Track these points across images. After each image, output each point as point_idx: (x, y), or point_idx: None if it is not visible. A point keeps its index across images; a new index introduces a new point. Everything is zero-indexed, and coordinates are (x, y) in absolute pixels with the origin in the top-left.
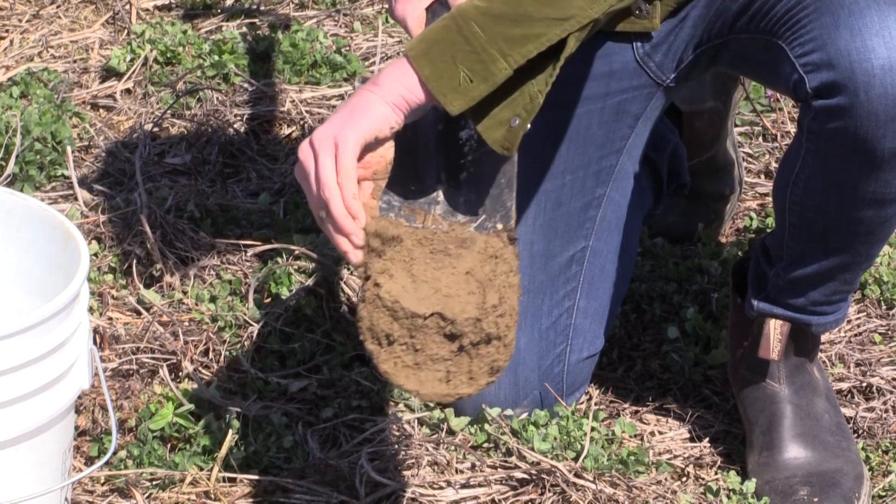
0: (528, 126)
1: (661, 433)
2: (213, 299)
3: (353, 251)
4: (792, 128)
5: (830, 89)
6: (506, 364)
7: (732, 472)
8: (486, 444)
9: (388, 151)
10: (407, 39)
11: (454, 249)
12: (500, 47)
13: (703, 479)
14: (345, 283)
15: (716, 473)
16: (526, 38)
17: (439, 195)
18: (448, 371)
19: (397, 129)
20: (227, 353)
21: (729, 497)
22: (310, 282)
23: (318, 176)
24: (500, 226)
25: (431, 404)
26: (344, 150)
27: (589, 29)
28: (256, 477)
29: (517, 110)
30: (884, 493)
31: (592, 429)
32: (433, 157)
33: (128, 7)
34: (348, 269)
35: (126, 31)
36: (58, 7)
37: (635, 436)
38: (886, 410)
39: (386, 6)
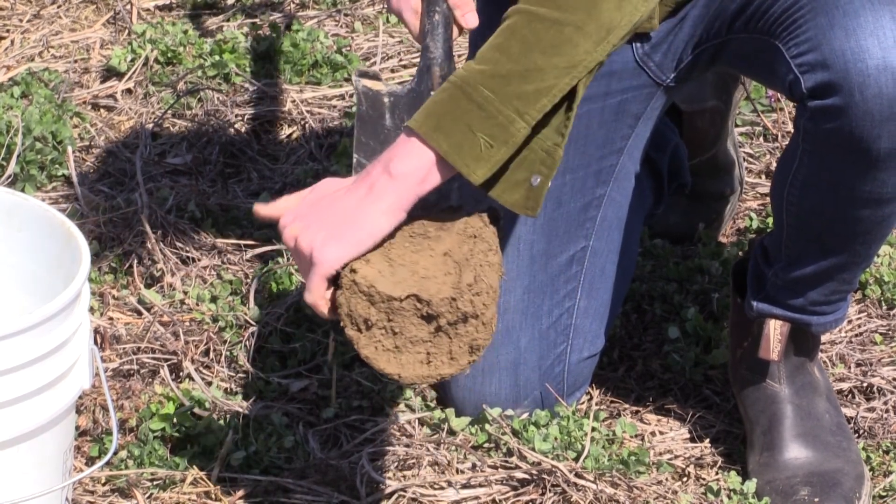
0: (550, 183)
1: (661, 433)
2: (213, 299)
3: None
4: (792, 128)
5: (825, 90)
6: (487, 343)
7: (733, 473)
8: (486, 445)
9: None
10: (407, 38)
11: (434, 232)
12: (516, 106)
13: (703, 479)
14: None
15: (716, 473)
16: (539, 92)
17: None
18: (428, 353)
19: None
20: (228, 353)
21: (730, 497)
22: None
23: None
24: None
25: (432, 404)
26: (317, 278)
27: (595, 72)
28: (257, 477)
29: (535, 168)
30: (884, 494)
31: (593, 429)
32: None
33: (129, 7)
34: None
35: (127, 31)
36: (58, 7)
37: (636, 436)
38: (887, 410)
39: (387, 6)
